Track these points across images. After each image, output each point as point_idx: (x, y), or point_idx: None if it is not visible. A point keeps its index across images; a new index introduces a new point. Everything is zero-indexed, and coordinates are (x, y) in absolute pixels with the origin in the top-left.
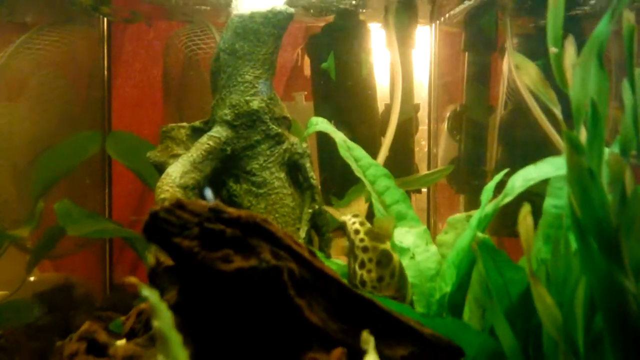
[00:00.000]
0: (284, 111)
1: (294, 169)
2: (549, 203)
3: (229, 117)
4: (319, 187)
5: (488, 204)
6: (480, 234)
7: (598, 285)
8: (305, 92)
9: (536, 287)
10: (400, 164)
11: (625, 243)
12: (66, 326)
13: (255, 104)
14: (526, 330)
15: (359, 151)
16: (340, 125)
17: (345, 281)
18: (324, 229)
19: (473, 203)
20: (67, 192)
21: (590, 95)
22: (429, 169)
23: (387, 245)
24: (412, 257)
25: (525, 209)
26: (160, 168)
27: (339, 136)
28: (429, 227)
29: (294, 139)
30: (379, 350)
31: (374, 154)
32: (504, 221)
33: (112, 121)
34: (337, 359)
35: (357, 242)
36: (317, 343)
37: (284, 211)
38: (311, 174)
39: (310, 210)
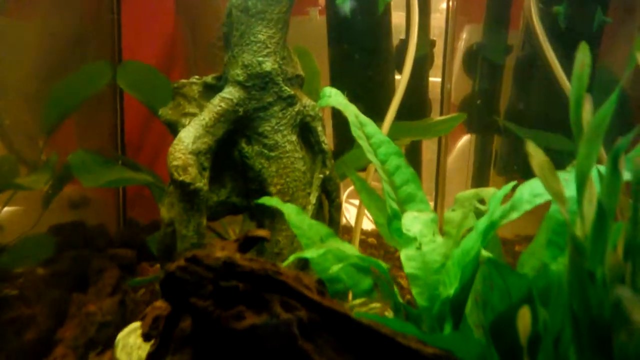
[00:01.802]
0: (297, 69)
1: (305, 131)
2: (554, 208)
3: (241, 78)
4: (331, 151)
5: (496, 211)
6: (484, 253)
7: None
8: (320, 7)
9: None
10: (415, 102)
11: (616, 340)
12: (83, 271)
13: (268, 65)
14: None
15: (371, 127)
16: (355, 62)
17: (351, 313)
18: (334, 195)
19: (484, 143)
20: (77, 127)
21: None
22: (441, 104)
23: None
24: (419, 248)
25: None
26: (172, 127)
27: (351, 111)
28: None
29: (306, 101)
30: None
31: (389, 92)
32: (508, 161)
33: (122, 49)
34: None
35: None
36: None
37: (295, 176)
38: (323, 137)
39: (321, 176)
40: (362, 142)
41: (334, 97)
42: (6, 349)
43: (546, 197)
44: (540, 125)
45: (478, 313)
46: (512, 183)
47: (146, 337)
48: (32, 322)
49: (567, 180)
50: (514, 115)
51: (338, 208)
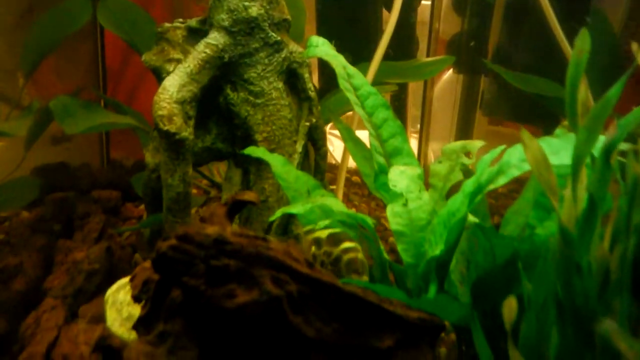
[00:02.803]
0: (284, 13)
1: (291, 78)
2: None
3: (226, 23)
4: (317, 98)
5: (483, 174)
6: (471, 218)
7: None
8: None
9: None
10: (402, 39)
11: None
12: (68, 215)
13: (254, 10)
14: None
15: (358, 78)
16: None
17: (339, 283)
18: (320, 143)
19: (471, 83)
20: (57, 64)
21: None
22: (429, 43)
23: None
24: (405, 204)
25: None
26: (156, 72)
27: (338, 63)
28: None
29: (293, 47)
30: (369, 342)
31: (376, 30)
32: (494, 103)
33: None
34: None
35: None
36: (314, 354)
37: (281, 123)
38: (309, 84)
39: (307, 124)
40: (350, 95)
41: (321, 47)
42: None
43: None
44: (529, 69)
45: (462, 270)
46: (501, 147)
47: (136, 299)
48: (19, 271)
49: (555, 146)
50: (503, 57)
51: (324, 156)
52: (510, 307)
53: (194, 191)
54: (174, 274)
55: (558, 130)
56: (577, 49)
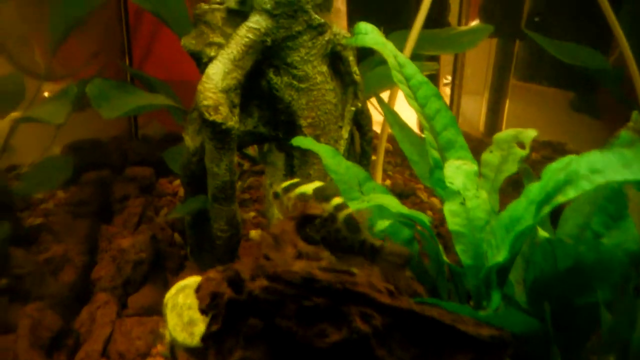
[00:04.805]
0: None
1: (335, 61)
2: None
3: (268, 6)
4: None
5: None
6: (542, 232)
7: None
8: None
9: None
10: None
11: None
12: (106, 199)
13: None
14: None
15: (410, 68)
16: None
17: (416, 307)
18: (366, 128)
19: (506, 47)
20: (84, 37)
21: None
22: (460, 6)
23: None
24: (462, 203)
25: None
26: (196, 57)
27: (389, 52)
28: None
29: (337, 29)
30: None
31: None
32: (529, 68)
33: None
34: None
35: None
36: None
37: (326, 108)
38: (354, 68)
39: (352, 109)
40: (402, 86)
41: (370, 35)
42: (47, 293)
43: (608, 176)
44: (566, 35)
45: (520, 270)
46: (569, 157)
47: (203, 311)
48: (66, 261)
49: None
50: (538, 21)
51: (370, 142)
52: None
53: None
54: (266, 317)
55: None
56: None
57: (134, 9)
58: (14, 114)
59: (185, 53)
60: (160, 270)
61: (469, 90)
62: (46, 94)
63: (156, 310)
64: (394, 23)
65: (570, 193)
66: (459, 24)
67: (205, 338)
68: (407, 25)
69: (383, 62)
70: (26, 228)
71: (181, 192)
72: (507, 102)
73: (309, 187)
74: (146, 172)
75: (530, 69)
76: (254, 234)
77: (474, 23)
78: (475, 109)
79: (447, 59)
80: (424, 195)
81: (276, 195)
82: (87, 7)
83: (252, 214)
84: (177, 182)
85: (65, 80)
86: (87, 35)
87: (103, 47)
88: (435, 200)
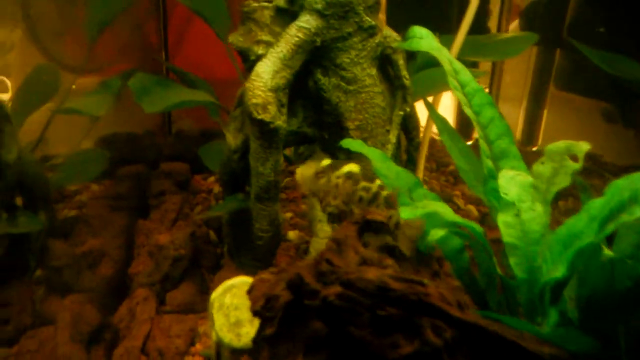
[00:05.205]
0: None
1: (385, 64)
2: None
3: (319, 6)
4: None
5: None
6: (607, 252)
7: None
8: None
9: None
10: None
11: None
12: (142, 194)
13: None
14: None
15: (465, 74)
16: None
17: (482, 321)
18: (414, 133)
19: (546, 55)
20: (120, 30)
21: None
22: (501, 11)
23: None
24: (517, 215)
25: None
26: (243, 54)
27: (445, 57)
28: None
29: (387, 31)
30: None
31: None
32: (570, 77)
33: None
34: None
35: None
36: None
37: (374, 112)
38: (404, 72)
39: (401, 113)
40: (458, 93)
41: (425, 40)
42: (85, 287)
43: None
44: (609, 44)
45: (572, 287)
46: (636, 174)
47: (256, 313)
48: (103, 254)
49: None
50: (581, 29)
51: (417, 147)
52: None
53: None
54: (339, 324)
55: None
56: None
57: (171, 5)
58: (48, 105)
59: (220, 50)
60: (197, 268)
61: (506, 98)
62: (74, 87)
63: (193, 308)
64: (434, 29)
65: (637, 212)
66: (499, 29)
67: (258, 339)
68: (448, 31)
69: (425, 67)
70: (61, 220)
71: (216, 189)
72: (546, 111)
73: (354, 167)
74: (182, 168)
75: (570, 78)
76: (292, 235)
77: (512, 26)
78: (512, 117)
79: (484, 65)
80: (460, 202)
81: (318, 175)
82: (125, 3)
83: (289, 214)
84: (211, 179)
85: (96, 74)
86: (120, 30)
87: (138, 42)
88: (471, 207)
